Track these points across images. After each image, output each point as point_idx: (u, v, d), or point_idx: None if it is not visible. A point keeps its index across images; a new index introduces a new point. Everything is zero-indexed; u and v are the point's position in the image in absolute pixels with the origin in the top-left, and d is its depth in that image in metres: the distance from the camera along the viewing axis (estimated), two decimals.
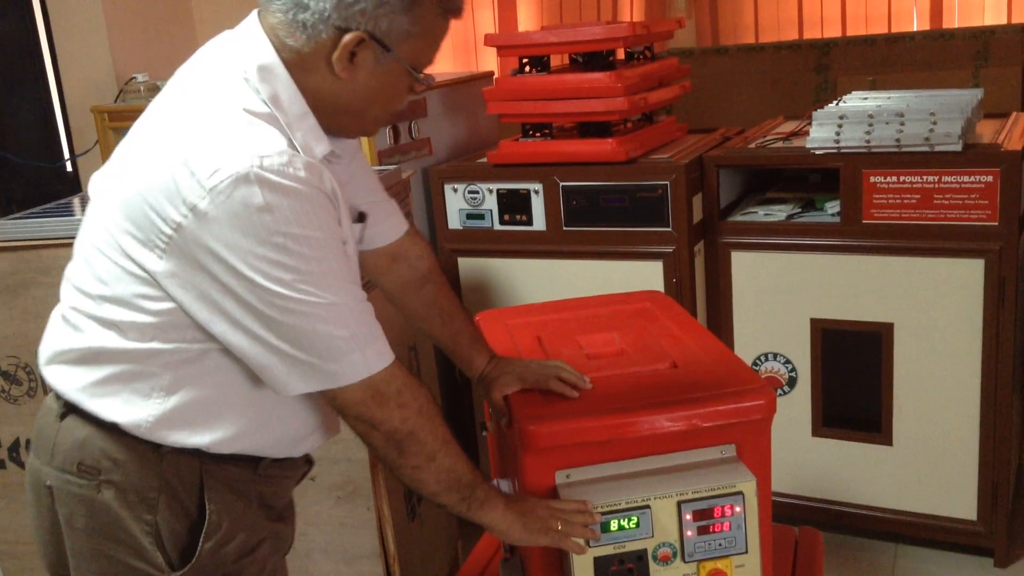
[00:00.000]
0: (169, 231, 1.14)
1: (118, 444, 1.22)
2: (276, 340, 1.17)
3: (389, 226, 1.55)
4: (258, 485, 1.33)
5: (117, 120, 3.04)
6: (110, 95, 3.32)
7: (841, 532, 2.59)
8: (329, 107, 1.24)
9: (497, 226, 2.64)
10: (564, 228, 2.56)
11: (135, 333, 1.20)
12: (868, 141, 2.36)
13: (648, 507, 1.42)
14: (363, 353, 1.20)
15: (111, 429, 1.22)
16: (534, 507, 1.40)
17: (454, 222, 2.69)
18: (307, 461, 1.46)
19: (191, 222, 1.13)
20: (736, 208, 2.64)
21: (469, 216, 2.67)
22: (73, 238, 1.57)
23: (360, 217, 1.46)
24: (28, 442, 2.02)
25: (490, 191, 2.63)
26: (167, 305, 1.18)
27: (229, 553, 1.27)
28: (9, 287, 1.95)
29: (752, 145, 2.62)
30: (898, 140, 2.34)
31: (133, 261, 1.18)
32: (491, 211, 2.64)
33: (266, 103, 1.19)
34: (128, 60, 3.39)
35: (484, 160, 2.70)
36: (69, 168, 3.54)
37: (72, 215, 2.09)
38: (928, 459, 2.47)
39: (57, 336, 1.28)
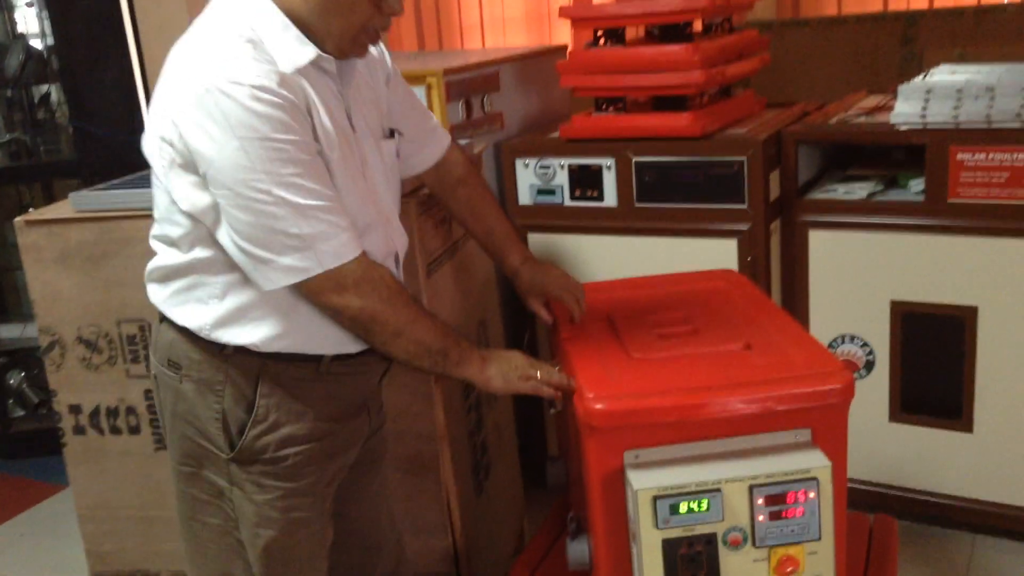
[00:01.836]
0: (169, 148, 1.36)
1: (194, 345, 1.46)
2: (240, 239, 1.35)
3: (430, 151, 1.75)
4: (323, 383, 1.48)
5: None
6: None
7: (917, 521, 2.53)
8: (296, 21, 1.38)
9: (568, 202, 2.62)
10: (636, 204, 2.52)
11: (185, 245, 1.42)
12: (956, 116, 2.27)
13: (719, 490, 1.40)
14: (315, 251, 1.34)
15: (187, 333, 1.46)
16: (512, 358, 1.55)
17: (524, 198, 2.67)
18: (384, 357, 1.53)
19: (182, 134, 1.32)
20: (815, 185, 2.57)
21: (540, 192, 2.64)
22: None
23: (391, 133, 1.60)
24: (108, 410, 2.07)
25: (561, 166, 2.60)
26: (187, 214, 1.39)
27: (271, 442, 1.45)
28: (91, 257, 1.99)
29: (833, 120, 2.54)
30: (988, 116, 2.25)
31: (160, 181, 1.42)
32: (562, 187, 2.61)
33: (252, 28, 1.35)
34: None
35: (556, 135, 2.68)
36: None
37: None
38: (1010, 447, 2.39)
39: (150, 262, 1.52)
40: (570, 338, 1.70)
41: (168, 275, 1.47)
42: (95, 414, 2.08)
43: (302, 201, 1.32)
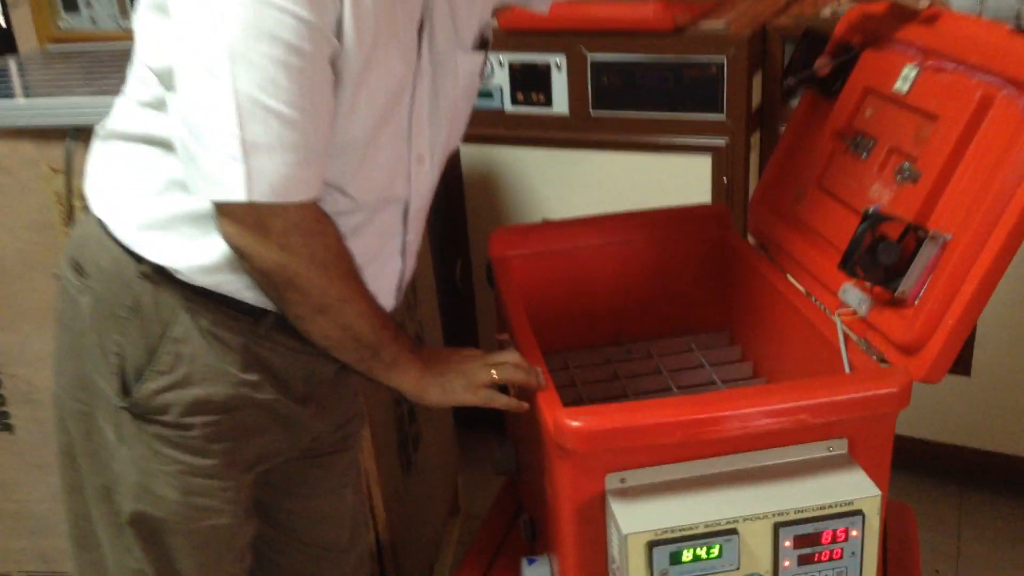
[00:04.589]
0: None
1: (106, 250, 1.10)
2: (178, 117, 1.00)
3: None
4: (260, 347, 1.12)
5: None
6: None
7: (906, 469, 2.26)
8: None
9: (509, 107, 2.19)
10: (592, 112, 2.11)
11: (139, 108, 1.09)
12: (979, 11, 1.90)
13: (735, 531, 1.05)
14: (249, 166, 0.96)
15: (104, 229, 1.11)
16: (460, 362, 1.19)
17: None
18: None
19: None
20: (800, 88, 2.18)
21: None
22: None
23: (482, 43, 1.23)
24: None
25: (501, 64, 2.16)
26: (151, 70, 1.05)
27: (175, 402, 1.10)
28: None
29: (827, 12, 2.13)
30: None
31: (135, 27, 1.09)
32: (502, 88, 2.18)
33: None
34: None
35: (495, 24, 2.22)
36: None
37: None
38: (1010, 393, 2.11)
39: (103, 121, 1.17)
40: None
41: (109, 136, 1.14)
42: None
43: (262, 96, 0.94)
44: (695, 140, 2.04)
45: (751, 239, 1.59)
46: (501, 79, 2.17)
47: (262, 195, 0.97)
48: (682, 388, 1.44)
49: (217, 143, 0.96)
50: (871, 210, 1.17)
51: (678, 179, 2.06)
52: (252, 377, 1.11)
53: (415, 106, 1.12)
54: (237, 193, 0.97)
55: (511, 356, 1.19)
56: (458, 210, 2.32)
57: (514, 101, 2.18)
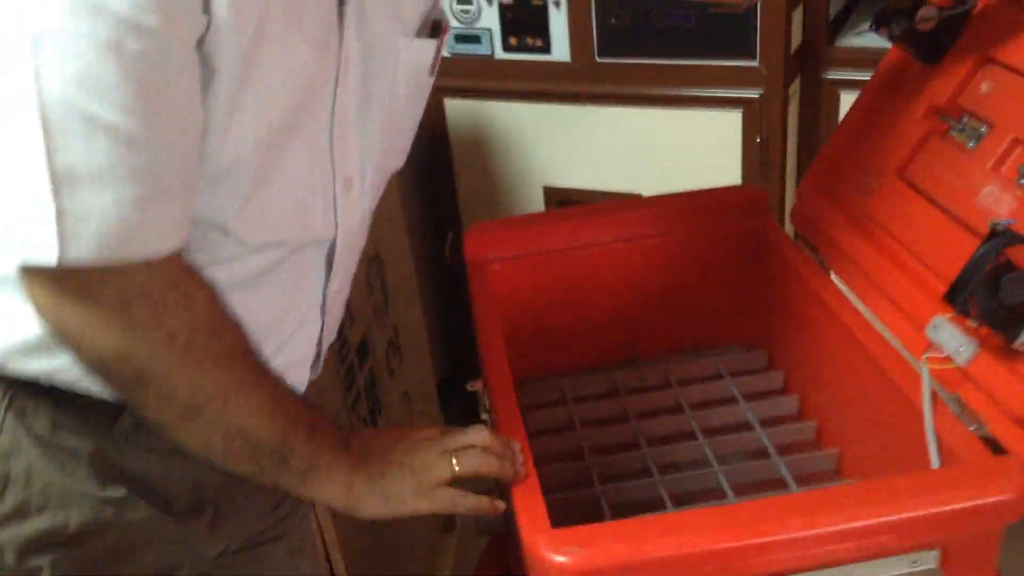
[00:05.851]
0: None
1: None
2: None
3: None
4: (120, 453, 0.80)
5: None
6: None
7: None
8: None
9: (500, 53, 1.84)
10: (597, 59, 1.77)
11: None
12: None
13: None
14: (62, 207, 0.63)
15: None
16: (407, 453, 0.86)
17: None
18: None
19: None
20: (845, 25, 1.82)
21: (459, 39, 1.86)
22: None
23: (433, 29, 0.90)
24: None
25: (489, 2, 1.81)
26: None
27: (8, 542, 0.80)
28: None
29: None
30: None
31: None
32: (491, 31, 1.84)
33: None
34: None
35: None
36: None
37: None
38: None
39: None
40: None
41: None
42: None
43: (81, 98, 0.62)
44: (722, 92, 1.70)
45: (792, 231, 1.26)
46: (490, 20, 1.83)
47: (84, 253, 0.65)
48: (709, 434, 1.14)
49: (15, 172, 0.64)
50: (1000, 226, 0.85)
51: (701, 140, 1.73)
52: (115, 493, 0.80)
53: (338, 109, 0.79)
54: (45, 251, 0.64)
55: (478, 435, 0.88)
56: (445, 176, 1.99)
57: (506, 47, 1.84)
